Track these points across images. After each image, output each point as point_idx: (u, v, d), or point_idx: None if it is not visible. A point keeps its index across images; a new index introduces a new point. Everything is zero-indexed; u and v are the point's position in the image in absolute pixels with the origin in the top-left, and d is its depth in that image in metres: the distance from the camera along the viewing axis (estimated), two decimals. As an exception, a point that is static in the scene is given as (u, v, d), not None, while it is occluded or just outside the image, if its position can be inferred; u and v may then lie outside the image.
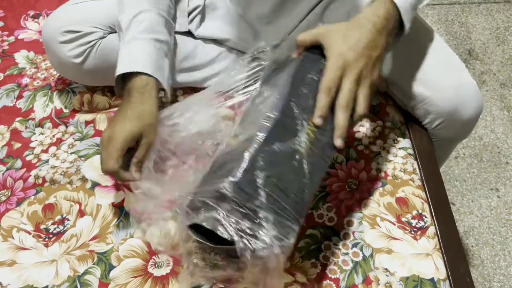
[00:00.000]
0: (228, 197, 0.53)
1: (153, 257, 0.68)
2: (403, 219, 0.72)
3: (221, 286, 0.63)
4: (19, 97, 0.88)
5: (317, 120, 0.59)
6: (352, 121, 0.61)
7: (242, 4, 0.81)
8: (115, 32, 0.80)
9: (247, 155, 0.54)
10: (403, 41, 0.67)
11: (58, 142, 0.81)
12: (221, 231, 0.53)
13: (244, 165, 0.54)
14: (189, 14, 0.81)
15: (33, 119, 0.85)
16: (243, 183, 0.53)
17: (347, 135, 0.61)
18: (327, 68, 0.60)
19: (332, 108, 0.60)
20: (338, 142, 0.60)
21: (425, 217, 0.72)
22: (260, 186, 0.54)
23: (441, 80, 0.78)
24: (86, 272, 0.67)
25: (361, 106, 0.61)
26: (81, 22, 0.77)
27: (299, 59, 0.64)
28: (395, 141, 0.82)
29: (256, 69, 0.71)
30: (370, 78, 0.61)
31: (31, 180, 0.77)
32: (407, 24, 0.64)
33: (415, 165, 0.79)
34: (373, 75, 0.61)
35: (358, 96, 0.61)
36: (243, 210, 0.53)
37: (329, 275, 0.67)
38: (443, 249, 0.69)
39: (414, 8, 0.65)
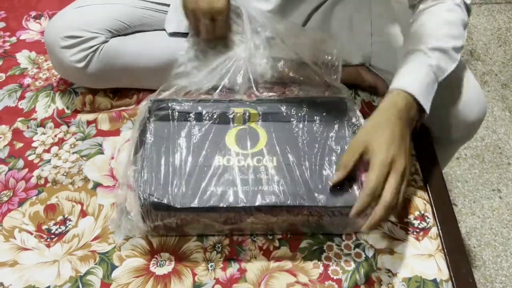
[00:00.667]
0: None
1: (155, 256, 0.68)
2: (406, 220, 0.72)
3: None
4: (21, 97, 0.88)
5: (353, 213, 0.59)
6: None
7: (245, 5, 0.80)
8: (117, 36, 0.80)
9: None
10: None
11: (60, 142, 0.81)
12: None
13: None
14: None
15: (35, 119, 0.85)
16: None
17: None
18: (374, 164, 0.59)
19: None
20: (366, 229, 0.59)
21: (428, 218, 0.72)
22: None
23: (444, 82, 0.78)
24: (88, 273, 0.67)
25: (395, 199, 0.59)
26: (83, 27, 0.77)
27: None
28: (397, 142, 0.82)
29: None
30: (408, 172, 0.61)
31: (33, 180, 0.77)
32: (427, 107, 0.65)
33: (417, 166, 0.79)
34: (408, 167, 0.61)
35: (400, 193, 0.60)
36: None
37: (332, 276, 0.67)
38: (445, 250, 0.69)
39: (433, 85, 0.66)
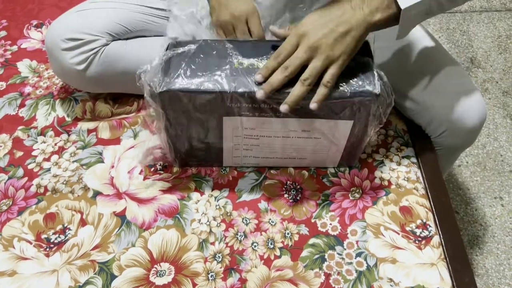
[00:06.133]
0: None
1: (155, 265, 0.67)
2: (407, 228, 0.72)
3: None
4: (22, 105, 0.88)
5: (257, 77, 0.61)
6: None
7: None
8: (118, 39, 0.80)
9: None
10: (407, 49, 0.66)
11: (60, 151, 0.81)
12: None
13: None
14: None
15: (35, 127, 0.85)
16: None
17: (293, 104, 0.61)
18: (290, 33, 0.61)
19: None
20: (259, 93, 0.61)
21: (430, 226, 0.72)
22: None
23: (444, 88, 0.78)
24: (87, 282, 0.66)
25: (305, 75, 0.60)
26: (84, 29, 0.77)
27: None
28: (398, 150, 0.81)
29: None
30: (328, 52, 0.59)
31: (32, 189, 0.76)
32: (403, 2, 0.60)
33: (419, 174, 0.78)
34: (334, 50, 0.60)
35: (307, 69, 0.60)
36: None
37: (333, 285, 0.66)
38: (447, 259, 0.69)
39: None
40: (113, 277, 0.67)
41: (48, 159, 0.80)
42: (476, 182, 1.36)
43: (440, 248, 0.70)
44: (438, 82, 0.78)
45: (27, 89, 0.91)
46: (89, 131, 0.84)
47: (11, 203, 0.75)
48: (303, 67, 0.61)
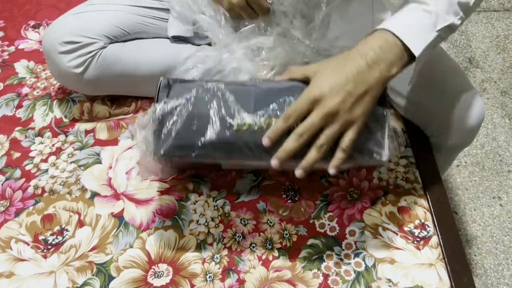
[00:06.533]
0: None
1: (153, 267, 0.67)
2: (406, 229, 0.71)
3: None
4: (19, 106, 0.88)
5: (265, 140, 0.57)
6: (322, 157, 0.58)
7: None
8: (116, 42, 0.80)
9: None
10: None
11: (57, 152, 0.81)
12: None
13: None
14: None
15: (33, 128, 0.84)
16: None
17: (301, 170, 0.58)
18: (301, 96, 0.57)
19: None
20: (274, 161, 0.57)
21: (428, 226, 0.72)
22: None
23: (442, 88, 0.78)
24: (85, 284, 0.66)
25: (321, 141, 0.56)
26: (81, 32, 0.77)
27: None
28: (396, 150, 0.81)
29: None
30: (346, 117, 0.56)
31: (30, 190, 0.76)
32: (416, 49, 0.57)
33: (417, 174, 0.78)
34: (352, 114, 0.56)
35: (322, 134, 0.56)
36: None
37: (331, 286, 0.66)
38: (446, 259, 0.68)
39: (430, 30, 0.59)
40: (111, 278, 0.66)
41: (45, 160, 0.80)
42: (475, 182, 1.36)
43: (439, 248, 0.70)
44: (436, 82, 0.78)
45: (25, 90, 0.91)
46: (87, 132, 0.84)
47: (8, 204, 0.75)
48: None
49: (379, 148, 0.60)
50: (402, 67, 0.59)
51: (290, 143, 0.57)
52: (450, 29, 0.61)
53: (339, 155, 0.57)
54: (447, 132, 0.80)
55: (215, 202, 0.74)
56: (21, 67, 0.95)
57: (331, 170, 0.58)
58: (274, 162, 0.57)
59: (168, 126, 0.60)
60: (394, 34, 0.57)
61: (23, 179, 0.77)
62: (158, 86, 0.61)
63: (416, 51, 0.58)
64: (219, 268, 0.67)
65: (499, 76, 1.60)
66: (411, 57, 0.58)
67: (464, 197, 1.33)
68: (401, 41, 0.57)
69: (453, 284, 0.66)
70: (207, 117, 0.59)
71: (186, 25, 0.81)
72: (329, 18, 0.84)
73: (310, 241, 0.70)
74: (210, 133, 0.59)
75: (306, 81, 0.60)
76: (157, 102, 0.60)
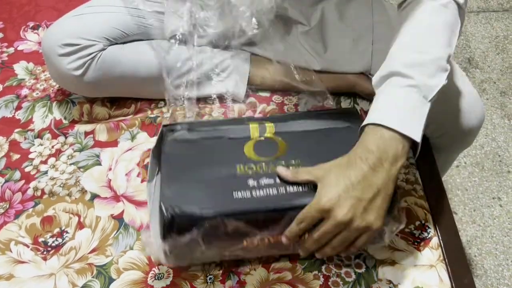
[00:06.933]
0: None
1: (153, 269, 0.67)
2: (406, 230, 0.71)
3: None
4: (18, 108, 0.88)
5: (283, 238, 0.59)
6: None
7: None
8: (115, 43, 0.80)
9: None
10: None
11: (57, 153, 0.81)
12: None
13: None
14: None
15: (32, 130, 0.84)
16: None
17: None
18: (311, 204, 0.57)
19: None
20: (302, 253, 0.61)
21: (428, 227, 0.72)
22: None
23: (441, 89, 0.78)
24: (85, 286, 0.66)
25: (338, 247, 0.58)
26: (80, 34, 0.76)
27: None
28: (397, 151, 0.81)
29: None
30: (359, 223, 0.55)
31: (29, 192, 0.76)
32: (415, 134, 0.56)
33: (417, 175, 0.78)
34: (366, 219, 0.55)
35: (337, 238, 0.58)
36: None
37: (332, 287, 0.66)
38: (446, 260, 0.68)
39: (421, 107, 0.57)
40: (111, 280, 0.66)
41: (45, 162, 0.80)
42: (475, 182, 1.36)
43: (439, 249, 0.69)
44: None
45: (24, 91, 0.90)
46: (86, 134, 0.83)
47: (8, 206, 0.74)
48: None
49: (380, 238, 0.62)
50: (407, 155, 0.57)
51: (309, 245, 0.59)
52: (441, 89, 0.59)
53: (351, 251, 0.60)
54: (447, 134, 0.80)
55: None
56: (20, 68, 0.95)
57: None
58: (302, 254, 0.61)
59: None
60: (388, 128, 0.55)
61: (23, 181, 0.77)
62: (164, 223, 0.59)
63: (416, 136, 0.56)
64: (219, 270, 0.67)
65: (498, 76, 1.61)
66: (412, 142, 0.57)
67: (464, 198, 1.33)
68: (398, 132, 0.55)
69: (453, 285, 0.66)
70: (214, 187, 0.61)
71: (180, 22, 0.81)
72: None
73: (311, 243, 0.70)
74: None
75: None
76: (164, 238, 0.59)
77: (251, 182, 0.61)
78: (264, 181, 0.61)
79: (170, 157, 0.65)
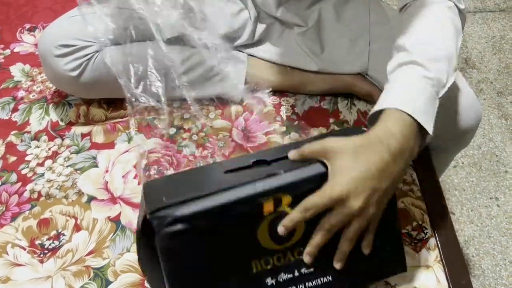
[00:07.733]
0: None
1: (150, 272, 0.67)
2: (403, 231, 0.71)
3: None
4: (15, 110, 0.88)
5: (280, 229, 0.52)
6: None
7: None
8: (111, 45, 0.80)
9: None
10: None
11: (54, 155, 0.81)
12: None
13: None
14: None
15: (29, 132, 0.84)
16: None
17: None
18: (323, 192, 0.52)
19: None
20: (306, 258, 0.54)
21: (426, 228, 0.72)
22: None
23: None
24: (82, 288, 0.66)
25: (349, 237, 0.54)
26: (77, 35, 0.76)
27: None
28: (394, 152, 0.81)
29: None
30: (368, 216, 0.53)
31: (26, 194, 0.76)
32: (429, 127, 0.55)
33: (414, 176, 0.78)
34: (378, 208, 0.53)
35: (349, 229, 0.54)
36: None
37: None
38: (444, 261, 0.68)
39: (434, 102, 0.57)
40: (108, 282, 0.66)
41: (41, 164, 0.80)
42: (472, 182, 1.36)
43: (436, 250, 0.69)
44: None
45: (20, 93, 0.90)
46: (83, 136, 0.83)
47: (4, 208, 0.74)
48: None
49: (397, 260, 0.61)
50: (420, 146, 0.57)
51: (317, 239, 0.54)
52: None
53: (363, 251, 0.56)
54: (444, 134, 0.80)
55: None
56: (16, 70, 0.94)
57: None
58: (306, 258, 0.55)
59: None
60: (410, 116, 0.54)
61: (19, 183, 0.77)
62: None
63: (429, 128, 0.56)
64: None
65: (495, 76, 1.61)
66: (422, 133, 0.56)
67: (461, 198, 1.33)
68: (415, 120, 0.54)
69: (451, 286, 0.66)
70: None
71: (178, 22, 0.81)
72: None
73: (308, 244, 0.70)
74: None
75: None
76: None
77: (269, 281, 0.55)
78: (283, 276, 0.55)
79: (170, 254, 0.52)
